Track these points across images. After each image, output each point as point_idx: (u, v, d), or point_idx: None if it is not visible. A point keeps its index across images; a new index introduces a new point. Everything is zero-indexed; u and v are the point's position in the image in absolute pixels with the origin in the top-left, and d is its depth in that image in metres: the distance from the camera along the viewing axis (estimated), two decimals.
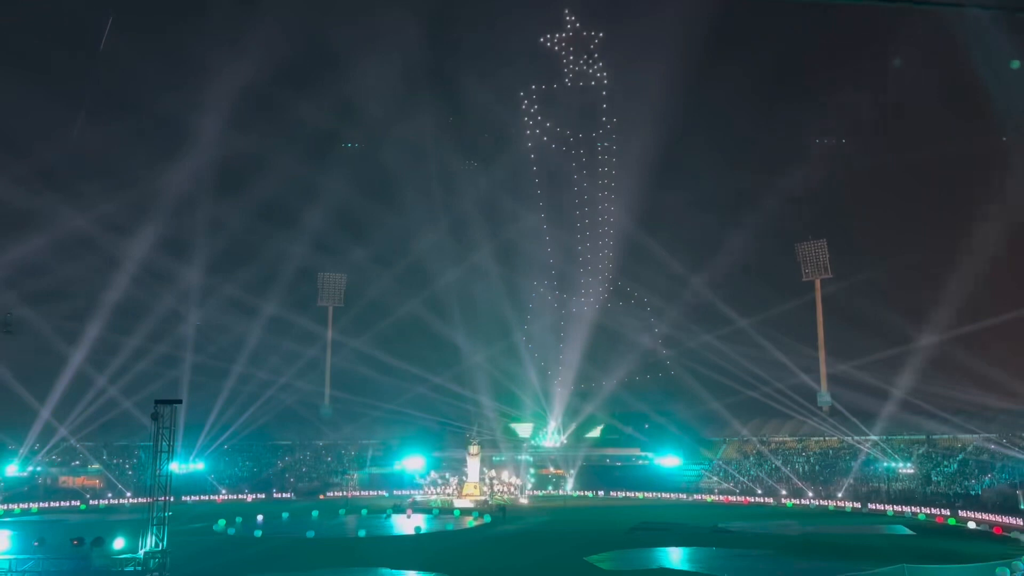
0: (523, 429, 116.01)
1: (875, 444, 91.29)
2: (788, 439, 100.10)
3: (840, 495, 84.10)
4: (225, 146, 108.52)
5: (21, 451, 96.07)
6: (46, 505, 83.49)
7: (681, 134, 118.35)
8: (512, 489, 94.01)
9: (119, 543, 48.88)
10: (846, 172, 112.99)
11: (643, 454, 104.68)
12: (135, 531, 46.11)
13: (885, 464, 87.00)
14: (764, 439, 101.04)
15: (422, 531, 63.78)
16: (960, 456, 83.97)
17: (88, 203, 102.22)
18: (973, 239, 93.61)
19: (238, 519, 68.24)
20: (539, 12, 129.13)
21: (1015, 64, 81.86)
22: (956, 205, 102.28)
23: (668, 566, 47.93)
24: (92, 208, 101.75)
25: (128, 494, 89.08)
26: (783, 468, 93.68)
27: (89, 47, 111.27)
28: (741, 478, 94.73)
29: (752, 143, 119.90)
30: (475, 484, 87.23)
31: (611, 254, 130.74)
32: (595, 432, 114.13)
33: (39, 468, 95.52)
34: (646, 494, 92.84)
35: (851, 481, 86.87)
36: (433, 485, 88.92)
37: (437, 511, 77.73)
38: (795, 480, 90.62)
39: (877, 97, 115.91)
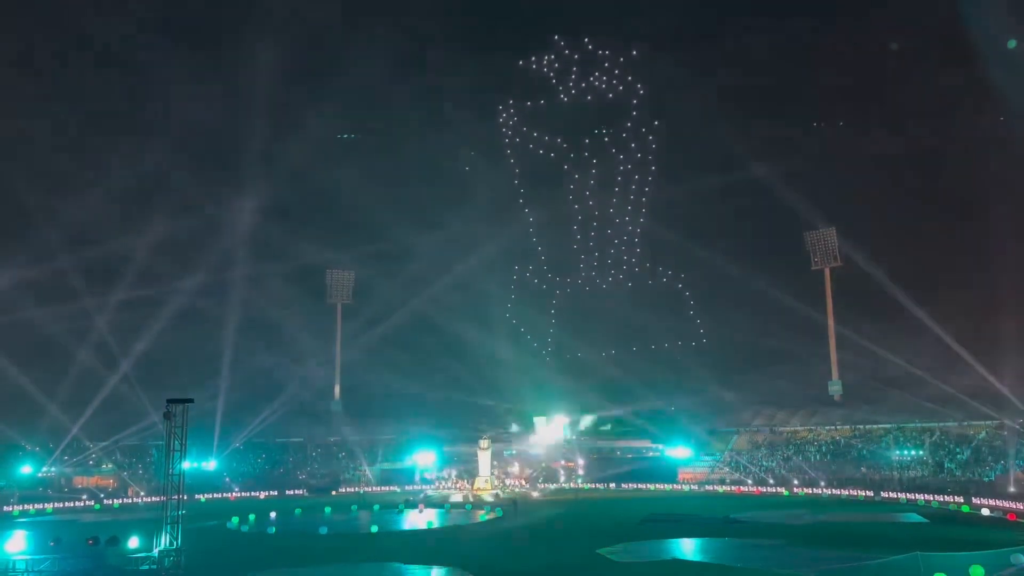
0: (535, 423, 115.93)
1: (887, 432, 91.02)
2: (799, 428, 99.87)
3: (852, 484, 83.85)
4: (226, 143, 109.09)
5: (36, 451, 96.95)
6: (61, 505, 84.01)
7: (687, 125, 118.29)
8: (523, 483, 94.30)
9: (134, 542, 49.19)
10: (858, 158, 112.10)
11: (654, 446, 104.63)
12: (150, 530, 46.51)
13: (897, 452, 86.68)
14: (775, 429, 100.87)
15: (434, 526, 63.90)
16: (973, 443, 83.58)
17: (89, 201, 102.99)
18: (988, 221, 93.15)
19: (251, 516, 68.69)
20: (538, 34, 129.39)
21: (1012, 44, 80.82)
22: (970, 189, 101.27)
23: (680, 557, 47.87)
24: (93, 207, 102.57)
25: (142, 493, 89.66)
26: (794, 457, 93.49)
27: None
28: (752, 468, 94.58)
29: (758, 132, 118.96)
30: (486, 478, 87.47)
31: (622, 247, 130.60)
32: (606, 425, 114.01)
33: (53, 468, 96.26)
34: (657, 485, 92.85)
35: (863, 469, 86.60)
36: (446, 480, 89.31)
37: (449, 506, 77.91)
38: (807, 469, 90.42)
39: (888, 81, 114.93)
